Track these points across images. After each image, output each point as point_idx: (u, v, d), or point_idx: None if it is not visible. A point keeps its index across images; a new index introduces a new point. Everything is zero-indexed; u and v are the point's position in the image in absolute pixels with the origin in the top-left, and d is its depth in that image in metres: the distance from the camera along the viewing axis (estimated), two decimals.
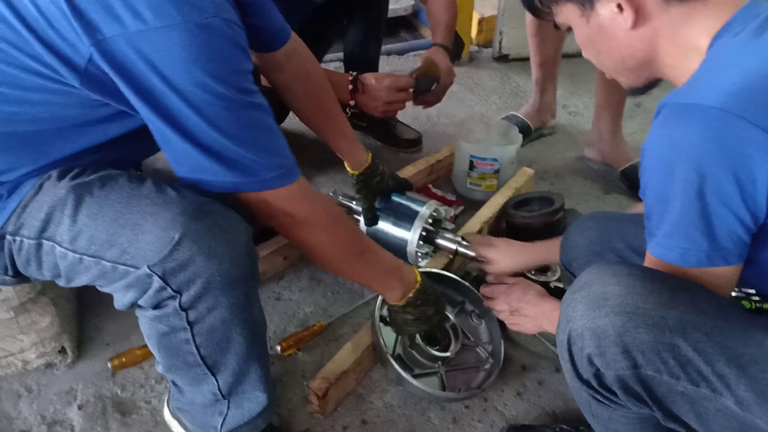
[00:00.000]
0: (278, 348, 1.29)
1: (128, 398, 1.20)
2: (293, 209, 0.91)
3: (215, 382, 0.94)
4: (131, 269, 0.82)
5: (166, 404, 1.11)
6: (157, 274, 0.81)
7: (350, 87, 1.56)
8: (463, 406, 1.21)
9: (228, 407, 0.98)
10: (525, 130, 2.00)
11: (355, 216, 1.50)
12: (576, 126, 2.23)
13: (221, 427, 1.00)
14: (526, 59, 2.07)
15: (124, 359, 1.23)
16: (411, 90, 1.61)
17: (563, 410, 1.21)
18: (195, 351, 0.89)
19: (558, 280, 1.38)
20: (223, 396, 0.96)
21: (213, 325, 0.87)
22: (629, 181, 1.87)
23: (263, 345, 0.99)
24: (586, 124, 2.13)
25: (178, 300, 0.83)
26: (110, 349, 1.28)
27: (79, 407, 1.18)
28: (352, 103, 1.58)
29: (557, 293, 1.34)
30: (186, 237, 0.80)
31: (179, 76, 0.75)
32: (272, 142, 0.87)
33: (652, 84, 0.92)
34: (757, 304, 0.89)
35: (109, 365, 1.22)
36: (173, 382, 0.99)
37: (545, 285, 1.33)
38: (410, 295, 1.13)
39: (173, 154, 0.82)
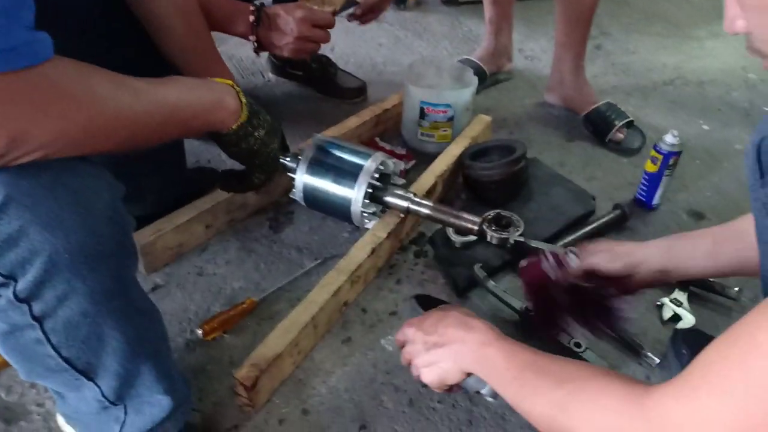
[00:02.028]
0: (200, 332, 1.09)
1: (15, 402, 0.99)
2: None
3: (96, 388, 0.74)
4: None
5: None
6: None
7: (252, 19, 1.28)
8: (420, 386, 1.04)
9: (125, 413, 0.79)
10: (480, 75, 1.82)
11: (289, 174, 1.27)
12: (534, 71, 2.06)
13: None
14: (477, 2, 1.88)
15: None
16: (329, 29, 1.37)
17: None
18: (54, 353, 0.68)
19: (520, 235, 1.21)
20: (111, 402, 0.76)
21: (71, 320, 0.65)
22: (593, 126, 1.72)
23: (157, 339, 0.80)
24: (544, 69, 1.96)
25: (11, 288, 0.61)
26: None
27: None
28: (252, 38, 1.31)
29: (519, 248, 1.17)
30: (12, 200, 0.57)
31: None
32: None
33: None
34: None
35: None
36: (52, 389, 0.79)
37: (505, 241, 1.16)
38: (243, 101, 0.91)
39: None
